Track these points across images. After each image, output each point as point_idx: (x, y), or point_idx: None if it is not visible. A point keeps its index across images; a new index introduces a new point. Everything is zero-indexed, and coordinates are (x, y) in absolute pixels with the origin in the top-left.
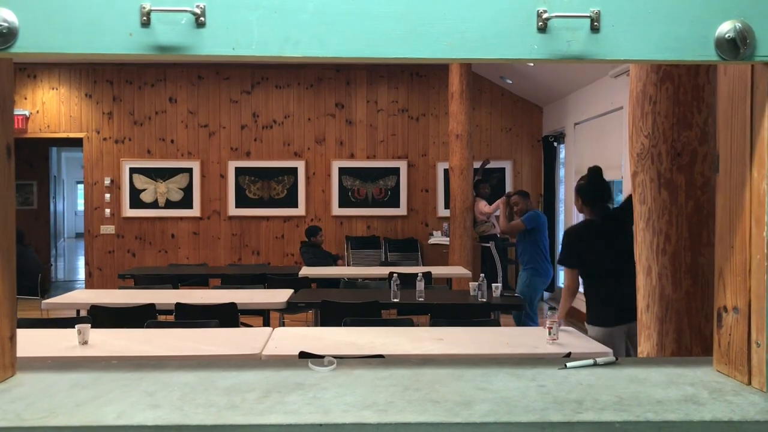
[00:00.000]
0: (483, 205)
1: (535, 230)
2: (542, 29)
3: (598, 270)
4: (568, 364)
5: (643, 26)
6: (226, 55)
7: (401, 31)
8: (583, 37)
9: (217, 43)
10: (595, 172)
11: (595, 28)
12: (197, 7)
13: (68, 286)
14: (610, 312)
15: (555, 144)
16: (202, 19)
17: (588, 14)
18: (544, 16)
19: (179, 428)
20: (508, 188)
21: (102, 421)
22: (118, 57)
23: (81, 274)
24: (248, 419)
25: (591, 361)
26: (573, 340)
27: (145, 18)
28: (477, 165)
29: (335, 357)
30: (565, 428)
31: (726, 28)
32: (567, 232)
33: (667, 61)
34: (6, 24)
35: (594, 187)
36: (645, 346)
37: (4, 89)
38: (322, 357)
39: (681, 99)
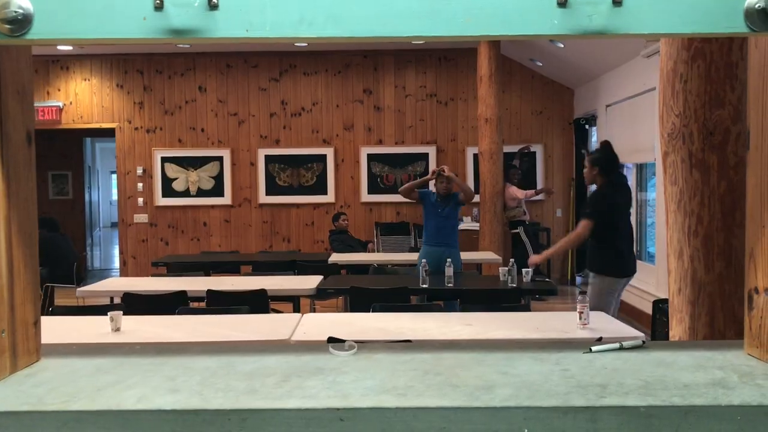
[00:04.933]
0: (514, 190)
1: None
2: (562, 4)
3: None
4: (593, 348)
5: None
6: (241, 38)
7: (417, 8)
8: (605, 11)
9: (231, 25)
10: (609, 145)
11: (617, 2)
12: None
13: (104, 274)
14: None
15: (587, 126)
16: (214, 1)
17: None
18: None
19: (197, 412)
20: (539, 172)
21: (122, 406)
22: (132, 41)
23: (116, 263)
24: (266, 404)
25: (617, 345)
26: (605, 325)
27: (158, 1)
28: (515, 149)
29: (363, 342)
30: (588, 413)
31: None
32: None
33: (693, 34)
34: (21, 11)
35: (609, 158)
36: (677, 330)
37: (24, 76)
38: (343, 341)
39: (713, 77)
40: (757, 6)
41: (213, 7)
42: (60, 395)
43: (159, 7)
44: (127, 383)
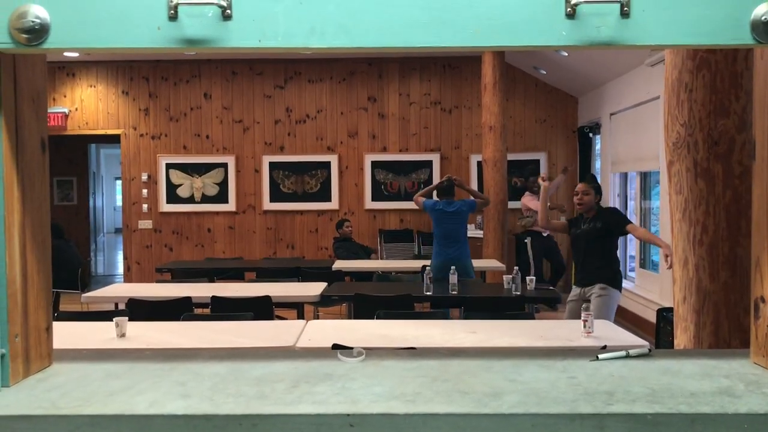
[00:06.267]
0: (528, 200)
1: None
2: (571, 15)
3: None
4: (600, 356)
5: (675, 10)
6: (253, 48)
7: (427, 19)
8: (613, 23)
9: (244, 35)
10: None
11: (625, 13)
12: None
13: (108, 280)
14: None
15: (590, 135)
16: (228, 11)
17: None
18: (573, 1)
19: (209, 417)
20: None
21: (134, 410)
22: (147, 51)
23: (120, 269)
24: (277, 409)
25: (623, 353)
26: (609, 333)
27: (172, 11)
28: (525, 157)
29: (367, 349)
30: (595, 420)
31: (762, 10)
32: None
33: (700, 46)
34: (38, 20)
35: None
36: (682, 338)
37: (38, 84)
38: (351, 348)
39: (718, 86)
40: (763, 18)
41: (226, 17)
42: (73, 399)
43: (173, 18)
44: (138, 388)
